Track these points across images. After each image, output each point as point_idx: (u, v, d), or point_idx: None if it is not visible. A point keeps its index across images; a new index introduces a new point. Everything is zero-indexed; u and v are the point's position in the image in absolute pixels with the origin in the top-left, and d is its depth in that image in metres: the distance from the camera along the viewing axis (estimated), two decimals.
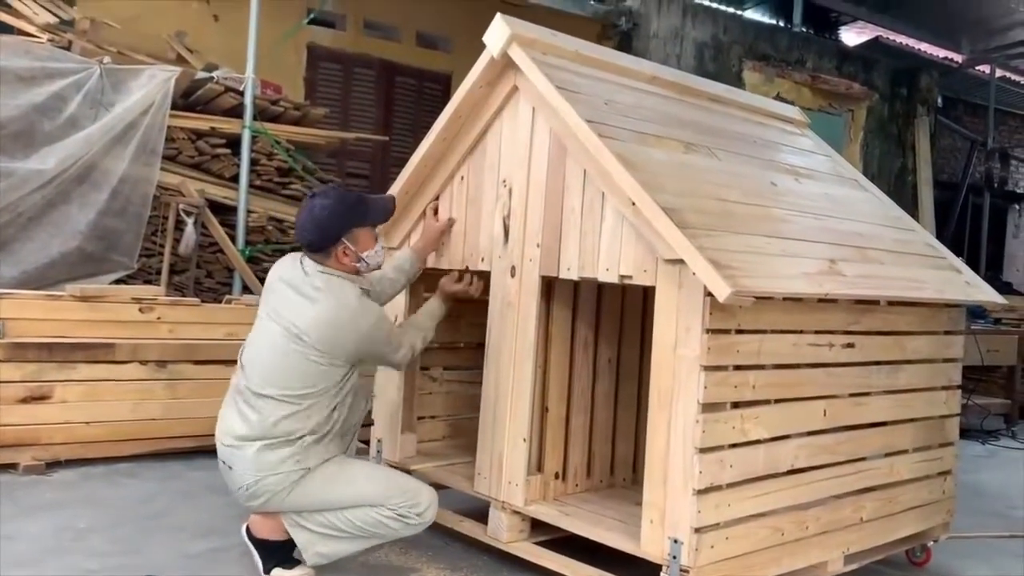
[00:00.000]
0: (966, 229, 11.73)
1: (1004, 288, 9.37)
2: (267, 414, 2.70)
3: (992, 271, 11.58)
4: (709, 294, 2.39)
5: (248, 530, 2.84)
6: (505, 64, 2.99)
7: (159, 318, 4.26)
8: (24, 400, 3.86)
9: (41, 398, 3.90)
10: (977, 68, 11.07)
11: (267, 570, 2.78)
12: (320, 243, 2.80)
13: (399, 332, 3.00)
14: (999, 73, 11.20)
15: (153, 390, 4.15)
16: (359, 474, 2.80)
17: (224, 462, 2.77)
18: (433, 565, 3.07)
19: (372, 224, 2.92)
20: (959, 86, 11.37)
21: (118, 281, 5.08)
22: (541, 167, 2.93)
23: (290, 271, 2.84)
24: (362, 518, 2.74)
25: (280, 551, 2.80)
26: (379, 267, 2.99)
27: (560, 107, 2.76)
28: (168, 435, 4.18)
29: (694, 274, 2.41)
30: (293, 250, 5.89)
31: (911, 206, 9.68)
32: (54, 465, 3.89)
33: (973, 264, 9.94)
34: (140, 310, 4.21)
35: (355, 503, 2.74)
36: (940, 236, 9.89)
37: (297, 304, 2.75)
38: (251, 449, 2.69)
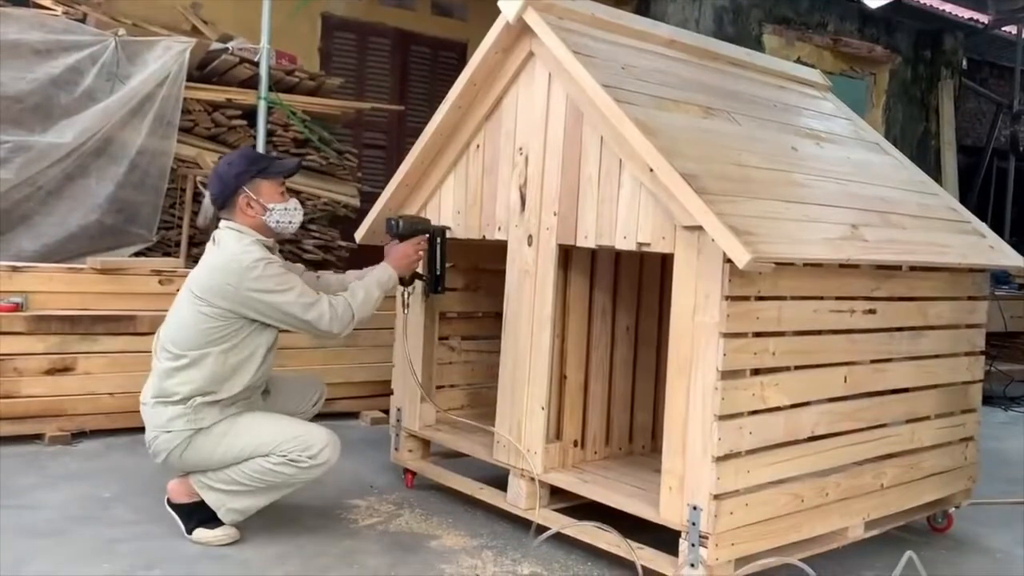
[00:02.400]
0: (991, 194, 11.54)
1: None
2: (159, 368, 2.84)
3: (1017, 236, 11.41)
4: (728, 261, 2.37)
5: (168, 499, 2.94)
6: (520, 29, 2.95)
7: (178, 290, 4.26)
8: (48, 372, 3.91)
9: (65, 370, 3.94)
10: (1004, 29, 10.81)
11: (189, 531, 2.87)
12: (221, 194, 2.89)
13: (313, 291, 2.91)
14: None
15: None
16: (247, 426, 2.83)
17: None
18: (453, 532, 3.09)
19: (275, 177, 2.96)
20: (985, 48, 11.12)
21: (137, 253, 5.10)
22: (557, 134, 2.90)
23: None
24: (255, 468, 2.78)
25: (198, 512, 2.87)
26: (292, 228, 3.00)
27: (576, 72, 2.72)
28: None
29: (713, 241, 2.38)
30: (311, 221, 5.95)
31: (934, 170, 9.54)
32: (79, 435, 3.95)
33: (998, 229, 9.80)
34: (160, 282, 4.24)
35: (247, 455, 2.78)
36: (964, 201, 9.70)
37: (200, 260, 2.93)
38: (148, 406, 2.85)
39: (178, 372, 2.80)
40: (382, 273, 3.11)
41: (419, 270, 3.29)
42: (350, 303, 2.94)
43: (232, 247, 2.85)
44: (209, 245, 2.95)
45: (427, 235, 3.22)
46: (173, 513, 2.92)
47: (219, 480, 2.82)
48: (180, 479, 2.93)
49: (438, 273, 3.26)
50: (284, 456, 2.78)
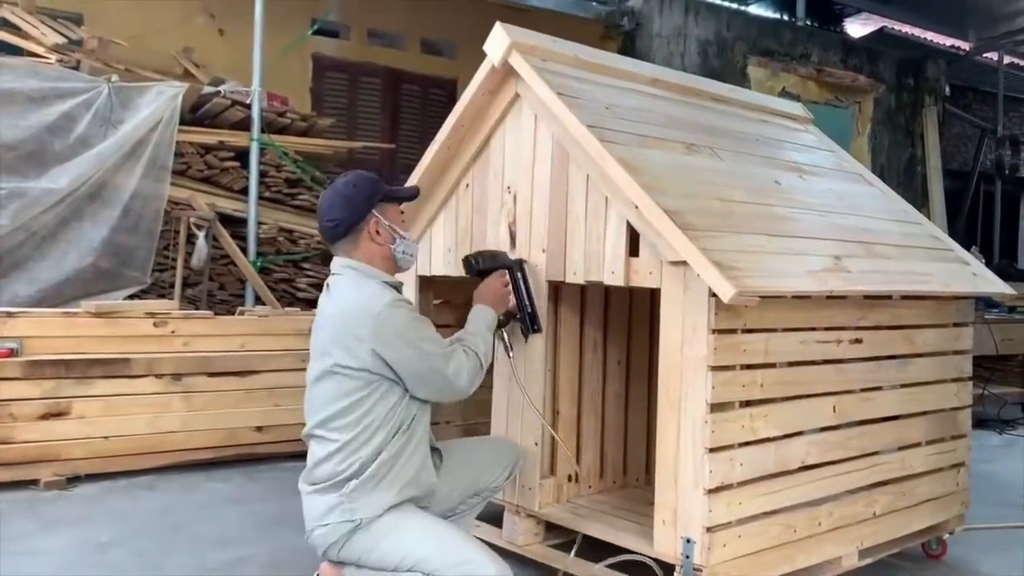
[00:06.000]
0: (978, 217, 11.67)
1: (1019, 275, 9.32)
2: (313, 456, 2.47)
3: (1006, 259, 11.52)
4: (714, 295, 2.41)
5: None
6: (506, 72, 3.01)
7: (173, 332, 4.31)
8: (43, 416, 3.91)
9: (60, 414, 3.95)
10: (985, 55, 11.01)
11: None
12: (350, 219, 2.50)
13: (443, 339, 2.57)
14: (1007, 60, 11.16)
15: (169, 403, 4.20)
16: (410, 533, 2.42)
17: None
18: None
19: (399, 200, 2.66)
20: (967, 74, 11.32)
21: (132, 296, 5.14)
22: (544, 173, 2.95)
23: (324, 293, 2.60)
24: None
25: None
26: (412, 263, 2.68)
27: (561, 113, 2.78)
28: (186, 447, 4.23)
29: (698, 276, 2.42)
30: (304, 260, 5.98)
31: (921, 196, 9.65)
32: (75, 480, 3.95)
33: (987, 252, 9.90)
34: (154, 324, 4.26)
35: (406, 567, 2.39)
36: (952, 225, 9.86)
37: (323, 315, 2.52)
38: (304, 494, 2.49)
39: (330, 457, 2.42)
40: (485, 315, 2.75)
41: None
42: (477, 353, 2.59)
43: (357, 292, 2.46)
44: (322, 297, 2.57)
45: (507, 268, 2.91)
46: None
47: None
48: (334, 565, 2.53)
49: (529, 311, 2.90)
50: None
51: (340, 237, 2.53)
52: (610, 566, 2.73)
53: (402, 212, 2.68)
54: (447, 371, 2.48)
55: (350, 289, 2.48)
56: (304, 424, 2.54)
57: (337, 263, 2.56)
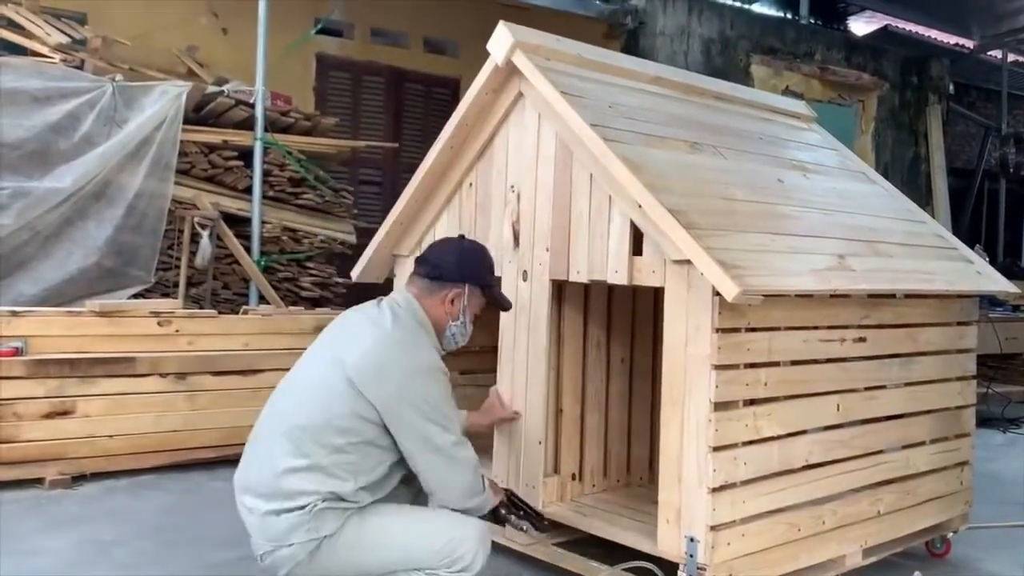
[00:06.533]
0: (983, 216, 11.65)
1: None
2: (278, 459, 2.29)
3: (1010, 257, 11.50)
4: (717, 294, 2.41)
5: None
6: (510, 71, 3.01)
7: (177, 331, 4.31)
8: (48, 415, 3.92)
9: (64, 413, 3.96)
10: (989, 53, 11.00)
11: None
12: (448, 274, 2.53)
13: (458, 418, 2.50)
14: (1011, 57, 11.14)
15: (173, 402, 4.21)
16: (387, 531, 2.33)
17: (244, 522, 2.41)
18: None
19: (492, 299, 2.70)
20: (971, 72, 11.31)
21: (136, 295, 5.15)
22: (548, 172, 2.95)
23: (368, 307, 2.54)
24: None
25: None
26: (451, 348, 2.63)
27: (565, 112, 2.78)
28: (189, 446, 4.24)
29: (702, 274, 2.42)
30: (308, 259, 5.98)
31: (925, 195, 9.64)
32: (79, 479, 3.95)
33: (991, 251, 9.89)
34: (159, 323, 4.27)
35: (387, 570, 2.32)
36: (956, 224, 9.85)
37: (360, 329, 2.44)
38: (256, 514, 2.32)
39: (299, 473, 2.27)
40: (492, 498, 2.57)
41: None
42: (486, 485, 2.49)
43: (407, 337, 2.41)
44: (372, 311, 2.49)
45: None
46: None
47: None
48: None
49: (531, 512, 2.79)
50: (434, 572, 2.30)
51: (427, 277, 2.54)
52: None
53: (479, 314, 2.66)
54: (458, 454, 2.37)
55: (405, 334, 2.42)
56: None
57: (404, 296, 2.53)
